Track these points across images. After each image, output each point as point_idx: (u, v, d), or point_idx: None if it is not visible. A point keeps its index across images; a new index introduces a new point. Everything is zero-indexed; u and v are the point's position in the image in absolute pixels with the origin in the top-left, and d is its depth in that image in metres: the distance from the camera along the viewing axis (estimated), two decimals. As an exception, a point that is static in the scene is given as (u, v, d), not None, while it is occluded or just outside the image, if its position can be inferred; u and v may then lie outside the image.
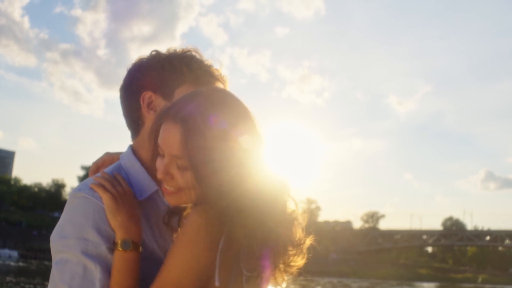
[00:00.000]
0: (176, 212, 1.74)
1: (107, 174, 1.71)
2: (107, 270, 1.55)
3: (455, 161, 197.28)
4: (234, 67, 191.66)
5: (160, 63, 1.78)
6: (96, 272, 1.53)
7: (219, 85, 1.83)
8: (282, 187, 1.64)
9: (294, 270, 1.68)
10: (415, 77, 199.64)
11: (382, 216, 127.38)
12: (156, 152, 1.63)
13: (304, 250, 1.67)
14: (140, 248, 1.63)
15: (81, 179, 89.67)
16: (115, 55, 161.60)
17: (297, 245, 1.65)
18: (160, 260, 1.57)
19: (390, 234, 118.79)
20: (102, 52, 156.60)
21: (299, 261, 1.67)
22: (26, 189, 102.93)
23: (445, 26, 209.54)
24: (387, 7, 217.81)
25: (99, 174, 1.71)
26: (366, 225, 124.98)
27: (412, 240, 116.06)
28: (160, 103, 1.75)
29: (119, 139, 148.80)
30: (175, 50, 1.81)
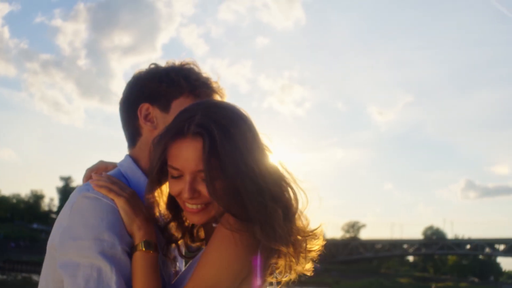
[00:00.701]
0: (172, 240, 1.77)
1: (112, 177, 1.70)
2: (121, 273, 1.53)
3: (435, 171, 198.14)
4: (214, 78, 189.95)
5: (157, 75, 1.80)
6: (112, 274, 1.50)
7: (217, 97, 1.87)
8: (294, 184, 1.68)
9: (314, 255, 1.74)
10: (395, 88, 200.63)
11: (363, 225, 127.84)
12: (157, 179, 1.66)
13: (320, 235, 1.73)
14: (158, 250, 1.64)
15: (60, 190, 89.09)
16: (96, 65, 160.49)
17: (313, 233, 1.70)
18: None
19: (371, 244, 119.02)
20: (82, 62, 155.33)
21: (317, 245, 1.73)
22: (4, 200, 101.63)
23: (424, 36, 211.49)
24: (367, 18, 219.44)
25: (102, 175, 1.70)
26: (347, 235, 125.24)
27: (393, 249, 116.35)
28: (157, 114, 1.77)
29: (99, 149, 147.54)
30: (173, 63, 1.84)
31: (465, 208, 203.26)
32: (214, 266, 1.56)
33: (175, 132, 1.60)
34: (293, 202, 1.66)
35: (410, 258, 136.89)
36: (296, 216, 1.67)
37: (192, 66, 1.86)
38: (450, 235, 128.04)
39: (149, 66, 1.86)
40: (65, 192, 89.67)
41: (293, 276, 1.73)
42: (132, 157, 1.83)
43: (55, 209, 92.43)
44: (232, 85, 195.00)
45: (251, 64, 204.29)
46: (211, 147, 1.55)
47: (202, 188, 1.60)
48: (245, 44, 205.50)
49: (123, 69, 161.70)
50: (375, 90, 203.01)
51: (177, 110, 1.68)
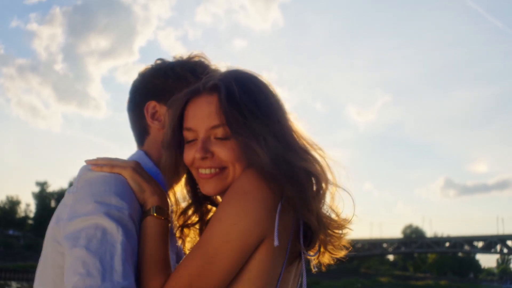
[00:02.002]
0: (187, 225, 1.71)
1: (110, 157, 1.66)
2: (129, 235, 1.44)
3: (415, 170, 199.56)
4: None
5: (162, 70, 1.75)
6: (118, 235, 1.40)
7: None
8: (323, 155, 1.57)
9: (345, 243, 1.60)
10: (373, 88, 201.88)
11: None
12: (173, 150, 1.59)
13: (348, 226, 1.58)
14: (170, 219, 1.59)
15: (36, 195, 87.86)
16: (73, 70, 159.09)
17: (344, 221, 1.57)
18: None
19: (351, 243, 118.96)
20: (59, 66, 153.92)
21: (344, 239, 1.60)
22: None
23: (402, 37, 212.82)
24: (345, 19, 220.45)
25: (99, 157, 1.65)
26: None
27: (372, 248, 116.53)
28: (164, 112, 1.71)
29: (77, 154, 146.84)
30: (181, 57, 1.79)
31: (444, 206, 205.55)
32: (222, 222, 1.40)
33: (190, 92, 1.55)
34: (323, 177, 1.50)
35: (390, 257, 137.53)
36: (327, 194, 1.51)
37: (200, 58, 1.78)
38: (429, 233, 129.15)
39: (155, 61, 1.79)
40: (41, 197, 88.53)
41: (326, 259, 1.61)
42: (145, 150, 1.77)
43: (31, 215, 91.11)
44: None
45: (229, 67, 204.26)
46: (228, 99, 1.45)
47: (216, 149, 1.49)
48: (222, 47, 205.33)
49: (100, 73, 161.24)
50: (354, 91, 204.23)
51: None
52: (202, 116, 1.50)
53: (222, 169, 1.51)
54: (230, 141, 1.48)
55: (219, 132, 1.48)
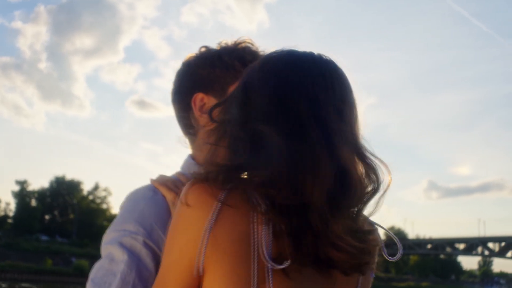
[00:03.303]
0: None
1: (167, 176, 1.55)
2: (134, 263, 1.36)
3: (398, 172, 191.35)
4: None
5: (208, 59, 1.62)
6: (121, 263, 1.35)
7: None
8: None
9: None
10: (358, 90, 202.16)
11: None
12: None
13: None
14: None
15: (16, 194, 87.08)
16: (57, 69, 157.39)
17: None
18: None
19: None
20: (43, 65, 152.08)
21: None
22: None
23: (387, 39, 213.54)
24: (330, 20, 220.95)
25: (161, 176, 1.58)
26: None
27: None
28: (213, 104, 1.52)
29: (61, 154, 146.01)
30: (226, 44, 1.66)
31: (427, 208, 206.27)
32: (163, 260, 1.25)
33: None
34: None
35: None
36: None
37: (247, 44, 1.65)
38: (411, 235, 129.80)
39: (199, 49, 1.67)
40: (21, 196, 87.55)
41: None
42: (192, 155, 1.66)
43: (11, 214, 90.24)
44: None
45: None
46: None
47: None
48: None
49: (85, 73, 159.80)
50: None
51: None
52: None
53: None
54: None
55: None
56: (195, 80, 1.61)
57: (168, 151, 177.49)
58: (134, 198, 1.48)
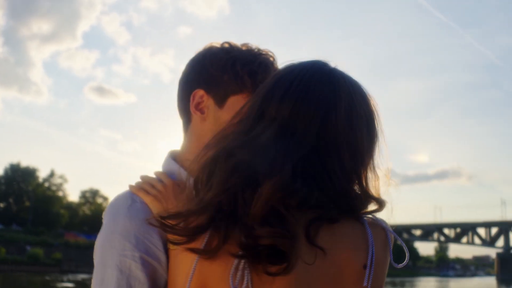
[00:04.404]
0: None
1: (147, 177, 1.55)
2: (124, 282, 1.39)
3: None
4: (137, 67, 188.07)
5: (222, 61, 1.58)
6: (111, 285, 1.39)
7: None
8: None
9: None
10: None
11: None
12: None
13: None
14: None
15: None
16: (14, 54, 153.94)
17: None
18: None
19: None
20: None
21: None
22: None
23: (347, 27, 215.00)
24: (290, 8, 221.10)
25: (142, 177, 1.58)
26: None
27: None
28: (210, 105, 1.58)
29: (17, 141, 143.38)
30: (248, 49, 1.61)
31: (385, 195, 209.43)
32: None
33: None
34: None
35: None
36: None
37: (266, 60, 1.58)
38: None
39: (222, 44, 1.61)
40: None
41: None
42: (174, 154, 1.63)
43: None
44: (155, 74, 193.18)
45: (174, 53, 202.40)
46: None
47: None
48: (168, 33, 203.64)
49: (42, 58, 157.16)
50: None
51: (233, 107, 1.52)
52: None
53: None
54: None
55: None
56: (203, 75, 1.59)
57: (127, 138, 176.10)
58: (114, 211, 1.46)
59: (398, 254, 1.33)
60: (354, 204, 1.23)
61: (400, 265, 1.33)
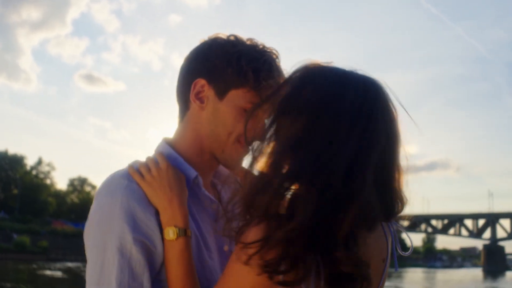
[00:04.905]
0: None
1: (142, 161, 1.58)
2: (126, 265, 1.40)
3: None
4: (126, 55, 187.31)
5: (228, 54, 1.59)
6: (113, 268, 1.39)
7: None
8: None
9: None
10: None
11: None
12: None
13: None
14: (189, 232, 1.49)
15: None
16: (2, 41, 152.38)
17: None
18: (198, 252, 1.52)
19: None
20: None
21: None
22: None
23: (339, 19, 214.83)
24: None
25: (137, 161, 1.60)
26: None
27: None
28: (210, 96, 1.59)
29: (6, 128, 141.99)
30: (254, 45, 1.62)
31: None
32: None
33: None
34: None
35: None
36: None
37: (271, 59, 1.60)
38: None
39: (228, 37, 1.62)
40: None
41: None
42: (169, 140, 1.66)
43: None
44: (145, 62, 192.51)
45: (164, 42, 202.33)
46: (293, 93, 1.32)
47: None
48: (158, 21, 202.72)
49: (31, 45, 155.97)
50: (287, 73, 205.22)
51: (233, 100, 1.56)
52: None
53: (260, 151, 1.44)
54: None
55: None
56: (207, 66, 1.60)
57: (117, 126, 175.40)
58: (111, 190, 1.46)
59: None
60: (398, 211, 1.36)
61: (407, 253, 1.44)
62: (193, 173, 1.58)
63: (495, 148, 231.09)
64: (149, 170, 1.52)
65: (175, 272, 1.44)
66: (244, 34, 1.60)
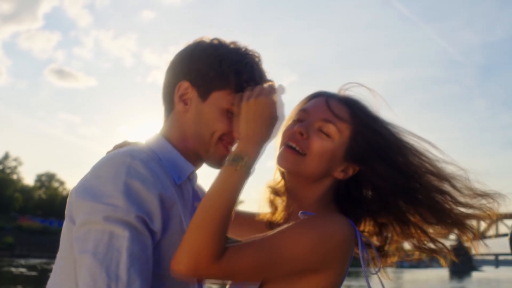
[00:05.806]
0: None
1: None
2: (136, 239, 1.41)
3: None
4: (98, 50, 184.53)
5: (210, 58, 1.66)
6: (123, 240, 1.39)
7: None
8: None
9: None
10: (280, 67, 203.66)
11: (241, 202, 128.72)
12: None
13: None
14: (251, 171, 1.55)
15: None
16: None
17: None
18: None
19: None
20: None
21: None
22: None
23: (311, 17, 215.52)
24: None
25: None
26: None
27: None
28: (193, 98, 1.66)
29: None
30: (236, 48, 1.70)
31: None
32: (299, 239, 1.49)
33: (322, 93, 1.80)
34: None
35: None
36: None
37: (253, 61, 1.68)
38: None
39: (212, 40, 1.70)
40: None
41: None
42: (163, 135, 1.70)
43: None
44: (117, 58, 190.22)
45: (137, 38, 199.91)
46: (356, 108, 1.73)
47: (314, 136, 1.65)
48: (130, 17, 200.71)
49: (1, 38, 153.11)
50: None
51: (215, 102, 1.63)
52: (323, 108, 1.69)
53: (303, 154, 1.64)
54: (328, 140, 1.64)
55: (327, 127, 1.65)
56: (191, 70, 1.67)
57: (87, 122, 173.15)
58: (114, 165, 1.47)
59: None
60: None
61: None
62: (190, 167, 1.65)
63: (467, 149, 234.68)
64: (250, 97, 1.57)
65: (215, 201, 1.43)
66: (218, 31, 1.66)
